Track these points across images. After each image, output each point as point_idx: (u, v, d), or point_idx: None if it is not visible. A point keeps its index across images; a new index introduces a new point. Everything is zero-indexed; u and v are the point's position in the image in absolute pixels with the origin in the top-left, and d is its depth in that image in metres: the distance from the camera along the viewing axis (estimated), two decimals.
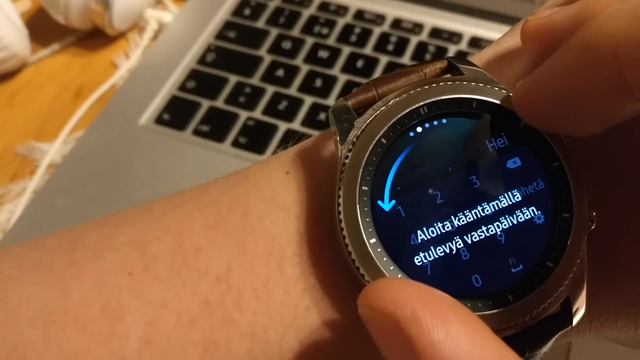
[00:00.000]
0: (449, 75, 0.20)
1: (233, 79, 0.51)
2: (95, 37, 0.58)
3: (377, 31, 0.54)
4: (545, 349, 0.19)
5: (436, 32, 0.53)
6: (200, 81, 0.52)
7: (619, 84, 0.15)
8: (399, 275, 0.18)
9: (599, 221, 0.19)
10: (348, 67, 0.52)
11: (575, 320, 0.19)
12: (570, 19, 0.19)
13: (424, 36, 0.53)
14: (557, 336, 0.19)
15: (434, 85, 0.20)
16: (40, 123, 0.53)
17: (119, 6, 0.55)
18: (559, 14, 0.19)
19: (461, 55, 0.21)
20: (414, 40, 0.53)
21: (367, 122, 0.19)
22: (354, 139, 0.19)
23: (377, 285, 0.15)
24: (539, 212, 0.19)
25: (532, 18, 0.20)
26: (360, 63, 0.52)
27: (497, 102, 0.19)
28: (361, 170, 0.19)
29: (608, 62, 0.15)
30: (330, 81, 0.51)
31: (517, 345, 0.18)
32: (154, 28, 0.58)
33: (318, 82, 0.51)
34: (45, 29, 0.58)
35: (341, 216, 0.18)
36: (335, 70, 0.52)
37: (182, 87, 0.51)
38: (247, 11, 0.56)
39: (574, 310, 0.19)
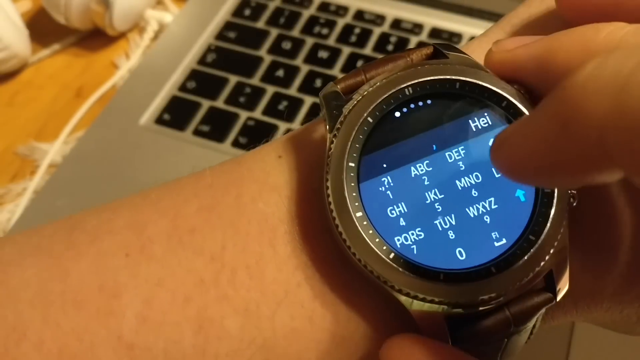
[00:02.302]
0: (434, 60, 0.21)
1: (233, 79, 0.52)
2: (96, 38, 0.58)
3: (377, 31, 0.54)
4: (530, 324, 0.19)
5: (436, 33, 0.53)
6: (201, 81, 0.52)
7: (605, 161, 0.13)
8: (384, 248, 0.19)
9: (584, 202, 0.19)
10: (348, 67, 0.52)
11: (559, 296, 0.19)
12: (532, 60, 0.19)
13: (423, 36, 0.53)
14: (542, 311, 0.19)
15: (419, 67, 0.20)
16: (40, 123, 0.53)
17: (120, 6, 0.55)
18: (522, 52, 0.20)
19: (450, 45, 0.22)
20: (413, 40, 0.53)
21: (354, 103, 0.20)
22: (342, 119, 0.20)
23: (391, 343, 0.18)
24: (522, 188, 0.19)
25: (497, 49, 0.21)
26: (360, 63, 0.52)
27: (480, 82, 0.20)
28: (348, 147, 0.19)
29: (592, 145, 0.13)
30: (330, 81, 0.51)
31: (501, 319, 0.18)
32: (154, 28, 0.58)
33: (318, 82, 0.51)
34: (45, 29, 0.58)
35: (329, 191, 0.19)
36: (336, 71, 0.52)
37: (183, 88, 0.51)
38: (247, 11, 0.56)
39: (557, 287, 0.19)
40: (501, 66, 0.20)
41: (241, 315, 0.19)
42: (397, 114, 0.20)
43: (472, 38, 0.53)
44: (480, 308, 0.18)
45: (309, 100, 0.50)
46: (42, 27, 0.58)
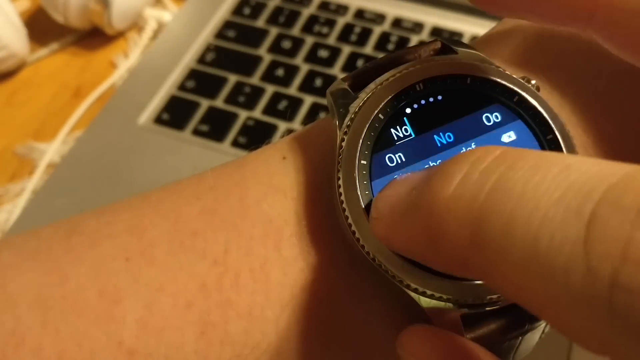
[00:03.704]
0: (443, 56, 0.21)
1: (232, 78, 0.51)
2: (94, 37, 0.58)
3: (377, 30, 0.54)
4: (543, 322, 0.19)
5: (437, 31, 0.53)
6: (200, 81, 0.51)
7: (470, 274, 0.14)
8: None
9: None
10: (348, 67, 0.51)
11: None
12: None
13: (424, 35, 0.53)
14: None
15: (429, 63, 0.20)
16: (39, 123, 0.53)
17: (118, 5, 0.55)
18: None
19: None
20: (414, 39, 0.53)
21: (364, 101, 0.20)
22: (352, 116, 0.20)
23: (409, 332, 0.18)
24: None
25: None
26: (360, 62, 0.52)
27: (491, 78, 0.20)
28: (359, 145, 0.19)
29: (458, 262, 0.14)
30: (330, 81, 0.51)
31: (516, 316, 0.18)
32: (153, 27, 0.58)
33: (318, 82, 0.51)
34: (44, 29, 0.58)
35: (341, 189, 0.19)
36: (336, 70, 0.51)
37: (182, 87, 0.51)
38: (246, 10, 0.56)
39: None
40: None
41: (245, 320, 0.19)
42: (408, 110, 0.20)
43: (473, 37, 0.53)
44: (487, 308, 0.18)
45: (309, 100, 0.50)
46: (40, 26, 0.58)
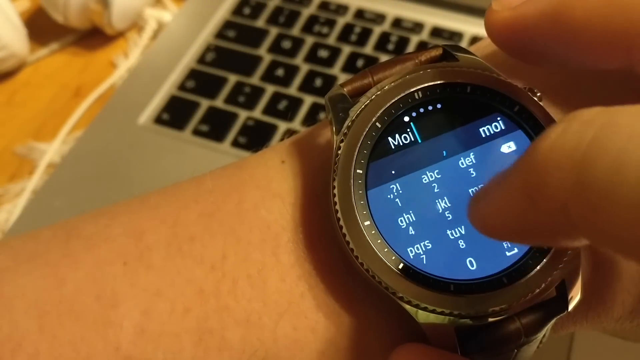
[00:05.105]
0: (444, 62, 0.20)
1: (232, 78, 0.51)
2: (94, 37, 0.58)
3: (377, 30, 0.54)
4: (541, 334, 0.19)
5: (437, 32, 0.53)
6: (200, 81, 0.51)
7: (572, 231, 0.13)
8: (393, 257, 0.18)
9: None
10: (348, 67, 0.51)
11: (572, 305, 0.19)
12: (544, 17, 0.17)
13: (424, 35, 0.53)
14: (553, 321, 0.19)
15: (429, 70, 0.20)
16: (39, 123, 0.53)
17: (118, 5, 0.55)
18: (530, 8, 0.18)
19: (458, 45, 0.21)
20: (414, 39, 0.53)
21: (362, 107, 0.19)
22: (349, 124, 0.19)
23: (400, 352, 0.17)
24: None
25: (499, 7, 0.19)
26: (360, 62, 0.52)
27: (492, 87, 0.19)
28: (356, 153, 0.19)
29: (558, 217, 0.13)
30: (330, 81, 0.51)
31: (513, 329, 0.18)
32: (153, 27, 0.58)
33: (318, 82, 0.50)
34: (44, 29, 0.58)
35: (336, 199, 0.18)
36: (336, 70, 0.51)
37: (182, 87, 0.51)
38: (246, 10, 0.56)
39: (569, 295, 0.19)
40: (505, 27, 0.18)
41: (242, 327, 0.19)
42: (406, 119, 0.19)
43: (473, 37, 0.52)
44: (490, 319, 0.18)
45: (308, 100, 0.49)
46: (40, 26, 0.58)
